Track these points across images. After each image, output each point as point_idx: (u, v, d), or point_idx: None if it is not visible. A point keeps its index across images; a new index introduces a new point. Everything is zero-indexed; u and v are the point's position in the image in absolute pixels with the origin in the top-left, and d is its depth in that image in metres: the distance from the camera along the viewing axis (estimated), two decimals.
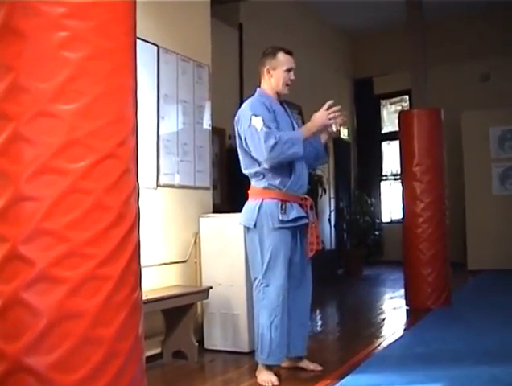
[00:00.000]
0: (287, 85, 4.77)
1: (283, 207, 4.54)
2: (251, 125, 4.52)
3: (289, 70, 4.75)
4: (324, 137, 5.01)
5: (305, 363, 4.89)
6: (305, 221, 4.63)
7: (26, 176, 2.07)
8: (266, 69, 4.78)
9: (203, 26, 6.37)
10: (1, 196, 2.09)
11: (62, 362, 2.05)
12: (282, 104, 4.88)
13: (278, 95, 4.82)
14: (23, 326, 2.05)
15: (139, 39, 5.16)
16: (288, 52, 4.80)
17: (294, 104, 9.70)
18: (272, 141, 4.41)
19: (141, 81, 5.27)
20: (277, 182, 4.58)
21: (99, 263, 2.12)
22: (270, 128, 4.48)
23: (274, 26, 10.54)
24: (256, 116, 4.52)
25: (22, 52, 2.10)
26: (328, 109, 4.62)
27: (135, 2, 2.40)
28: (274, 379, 4.53)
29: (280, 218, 4.52)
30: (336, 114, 4.61)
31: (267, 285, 4.55)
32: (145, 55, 5.35)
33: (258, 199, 4.62)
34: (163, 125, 5.61)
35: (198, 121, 6.15)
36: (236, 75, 9.42)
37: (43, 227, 2.07)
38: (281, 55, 4.75)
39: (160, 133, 5.55)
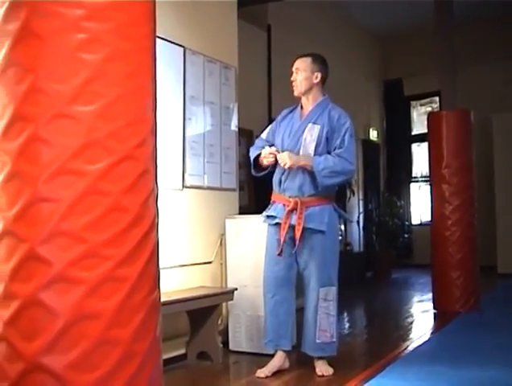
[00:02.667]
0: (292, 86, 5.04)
1: (270, 206, 5.01)
2: None
3: (292, 72, 5.02)
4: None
5: (317, 367, 4.90)
6: (276, 220, 4.90)
7: (44, 177, 2.09)
8: None
9: (230, 27, 6.37)
10: (19, 197, 2.11)
11: (79, 362, 2.06)
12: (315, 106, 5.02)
13: (308, 97, 5.02)
14: (40, 326, 2.06)
15: (165, 40, 5.24)
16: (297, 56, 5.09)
17: None
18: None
19: (167, 83, 5.33)
20: (273, 183, 5.02)
21: (116, 264, 2.13)
22: (262, 137, 5.21)
23: (302, 27, 10.51)
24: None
25: (41, 54, 2.11)
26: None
27: (154, 4, 2.39)
28: (265, 370, 4.87)
29: (263, 214, 5.06)
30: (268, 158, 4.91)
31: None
32: (171, 57, 5.36)
33: None
34: (190, 127, 5.62)
35: (225, 122, 6.16)
36: (264, 76, 9.41)
37: (60, 228, 2.08)
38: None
39: (186, 134, 5.56)
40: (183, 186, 5.52)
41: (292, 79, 4.98)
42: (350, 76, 12.46)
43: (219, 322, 5.52)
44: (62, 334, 2.06)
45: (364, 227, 12.85)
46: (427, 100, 14.19)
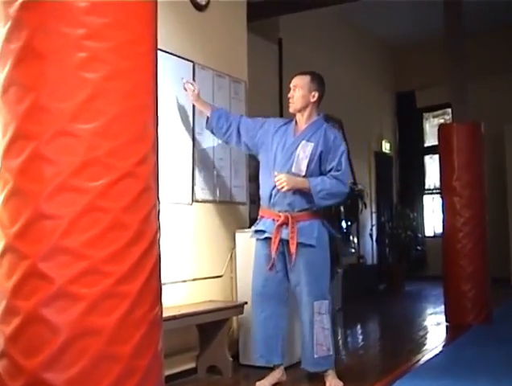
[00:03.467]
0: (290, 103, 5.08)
1: (258, 221, 5.03)
2: None
3: (290, 88, 5.07)
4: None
5: (327, 380, 4.86)
6: (265, 235, 4.91)
7: (45, 195, 2.11)
8: None
9: (239, 41, 6.39)
10: (21, 214, 2.13)
11: (79, 378, 2.08)
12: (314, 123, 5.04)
13: (303, 114, 5.04)
14: (42, 342, 2.08)
15: (174, 55, 5.27)
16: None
17: (334, 119, 9.66)
18: None
19: (176, 97, 5.36)
20: (261, 198, 5.09)
21: (117, 280, 2.15)
22: (251, 119, 5.37)
23: (314, 40, 10.52)
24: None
25: (43, 73, 2.14)
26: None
27: (156, 22, 2.42)
28: (266, 383, 4.93)
29: (252, 229, 5.11)
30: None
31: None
32: (180, 72, 5.38)
33: None
34: (199, 141, 5.63)
35: None
36: (276, 89, 9.42)
37: (61, 244, 2.11)
38: None
39: (196, 148, 5.58)
40: (192, 201, 5.53)
41: (289, 96, 5.02)
42: (363, 88, 12.46)
43: (229, 335, 5.52)
44: (63, 350, 2.07)
45: (377, 240, 12.80)
46: (440, 111, 14.14)
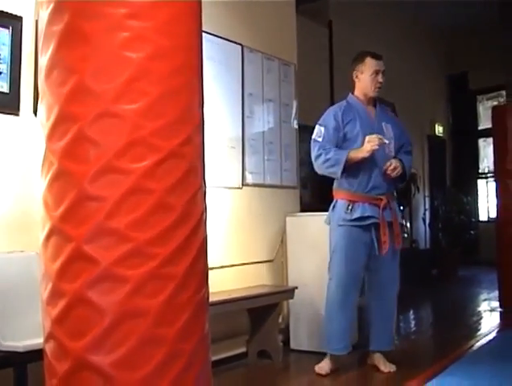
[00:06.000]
0: (377, 88, 4.94)
1: (349, 206, 4.79)
2: (314, 132, 4.92)
3: (377, 72, 4.90)
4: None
5: (381, 364, 4.89)
6: (372, 221, 4.77)
7: (89, 176, 2.09)
8: (354, 74, 5.01)
9: (288, 24, 6.34)
10: (66, 196, 2.12)
11: (125, 360, 2.06)
12: (375, 105, 5.06)
13: (370, 98, 5.01)
14: (87, 324, 2.07)
15: (223, 38, 5.24)
16: (376, 56, 4.95)
17: (387, 102, 9.54)
18: (316, 153, 4.83)
19: (225, 81, 5.34)
20: (345, 183, 4.85)
21: (162, 262, 2.12)
22: (326, 140, 4.82)
23: (364, 23, 10.39)
24: (320, 125, 4.91)
25: (86, 54, 2.12)
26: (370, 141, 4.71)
27: (200, 3, 2.38)
28: (326, 368, 4.84)
29: (343, 216, 4.78)
30: (375, 143, 4.69)
31: (330, 279, 4.88)
32: (229, 55, 5.37)
33: (335, 199, 4.93)
34: (249, 124, 5.61)
35: (284, 119, 6.13)
36: (326, 72, 9.34)
37: (106, 226, 2.09)
38: (368, 60, 4.94)
39: (245, 132, 5.56)
40: (242, 184, 5.51)
41: (381, 80, 4.93)
42: (414, 72, 12.27)
43: (280, 320, 5.50)
44: (108, 332, 2.06)
45: (430, 224, 12.67)
46: (494, 93, 13.87)
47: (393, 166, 4.79)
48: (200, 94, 2.36)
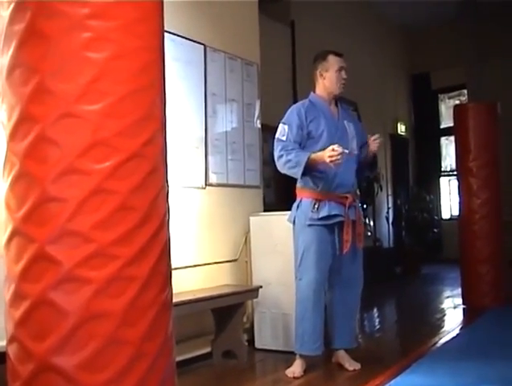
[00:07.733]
0: (342, 84, 4.91)
1: (316, 205, 4.72)
2: (277, 130, 4.84)
3: (340, 70, 4.88)
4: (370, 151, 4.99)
5: (346, 362, 4.88)
6: (338, 219, 4.73)
7: (52, 177, 2.09)
8: (318, 72, 4.94)
9: (251, 24, 6.34)
10: (28, 197, 2.11)
11: (89, 362, 2.06)
12: (337, 104, 5.02)
13: (334, 97, 4.97)
14: (50, 326, 2.07)
15: (186, 38, 5.23)
16: (338, 54, 4.94)
17: (349, 101, 9.60)
18: (278, 153, 4.76)
19: (188, 80, 5.32)
20: (310, 182, 4.78)
21: (125, 263, 2.12)
22: (290, 139, 4.75)
23: (327, 22, 10.40)
24: (284, 124, 4.84)
25: (47, 54, 2.11)
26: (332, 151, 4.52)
27: (162, 2, 2.37)
28: (298, 371, 4.75)
29: (310, 216, 4.71)
30: (336, 158, 4.48)
31: (300, 279, 4.79)
32: (192, 55, 5.35)
33: (298, 198, 4.87)
34: (211, 124, 5.60)
35: (247, 119, 6.13)
36: (289, 72, 9.35)
37: (69, 227, 2.08)
38: (331, 57, 4.90)
39: (208, 132, 5.55)
40: (206, 184, 5.50)
41: (346, 77, 4.91)
42: (377, 71, 12.34)
43: (244, 320, 5.50)
44: (72, 333, 2.06)
45: (393, 223, 12.75)
46: (456, 92, 14.01)
47: (376, 136, 4.82)
48: (163, 94, 2.36)
